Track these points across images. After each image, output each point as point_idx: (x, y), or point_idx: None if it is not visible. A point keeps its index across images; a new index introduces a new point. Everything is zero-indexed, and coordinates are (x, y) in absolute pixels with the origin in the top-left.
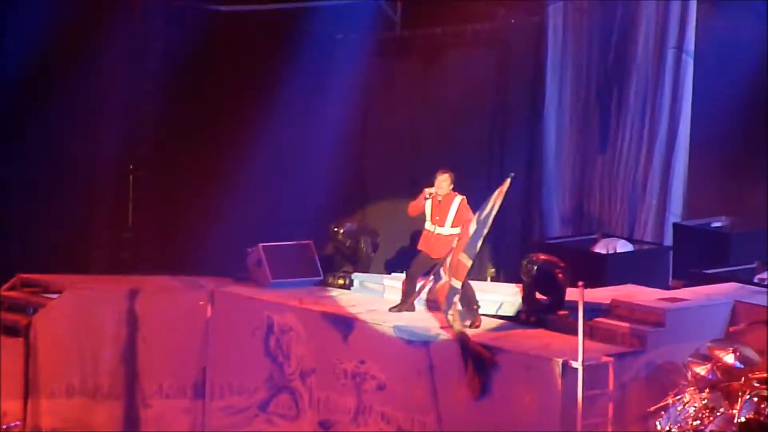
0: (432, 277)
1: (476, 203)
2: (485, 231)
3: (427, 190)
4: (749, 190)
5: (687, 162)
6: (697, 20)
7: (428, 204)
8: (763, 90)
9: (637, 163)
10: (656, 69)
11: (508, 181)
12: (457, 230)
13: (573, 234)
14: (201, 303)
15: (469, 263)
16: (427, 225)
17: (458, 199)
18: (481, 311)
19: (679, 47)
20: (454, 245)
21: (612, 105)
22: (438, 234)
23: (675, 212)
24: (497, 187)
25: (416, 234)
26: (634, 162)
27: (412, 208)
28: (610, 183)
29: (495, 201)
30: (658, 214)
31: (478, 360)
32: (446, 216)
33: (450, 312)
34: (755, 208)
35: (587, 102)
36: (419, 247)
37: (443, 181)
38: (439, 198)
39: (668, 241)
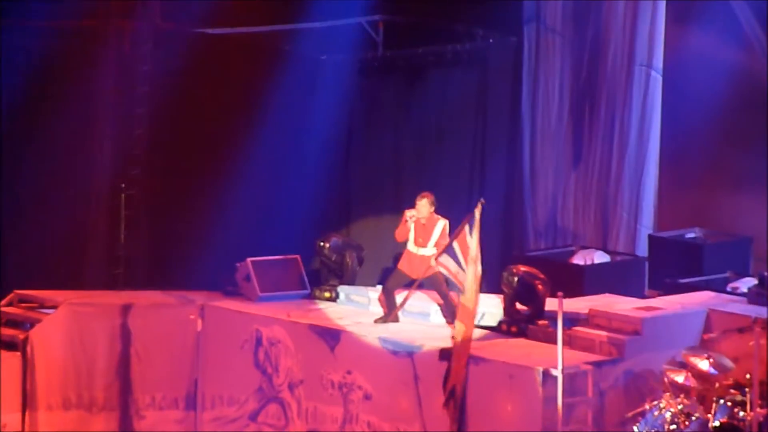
0: (416, 290)
1: (458, 220)
2: (479, 266)
3: (407, 213)
4: (717, 202)
5: (657, 175)
6: (666, 38)
7: (411, 226)
8: (732, 105)
9: (608, 177)
10: (625, 86)
11: (479, 208)
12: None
13: (548, 246)
14: (192, 317)
15: (471, 305)
16: (410, 246)
17: (441, 222)
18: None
19: (648, 64)
20: (433, 263)
21: (584, 121)
22: (421, 255)
23: (646, 224)
24: (476, 205)
25: (399, 247)
26: (605, 176)
27: (399, 234)
28: (583, 196)
29: (475, 234)
30: (630, 226)
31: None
32: (429, 238)
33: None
34: (724, 221)
35: (560, 118)
36: (399, 266)
37: (423, 206)
38: (423, 221)
39: (640, 252)
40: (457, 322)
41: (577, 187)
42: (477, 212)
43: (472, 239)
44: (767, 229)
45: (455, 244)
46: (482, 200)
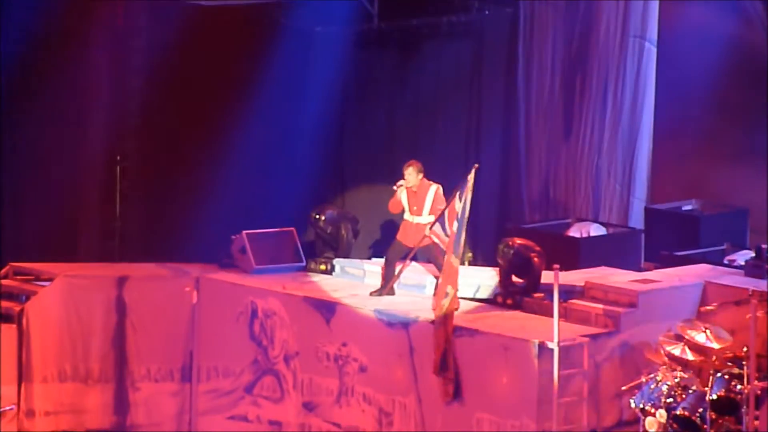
0: (410, 262)
1: (453, 190)
2: (464, 229)
3: (397, 183)
4: (713, 175)
5: (651, 148)
6: (661, 9)
7: (404, 196)
8: (728, 77)
9: (600, 150)
10: (618, 57)
11: (473, 173)
12: (433, 218)
13: (543, 219)
14: (187, 289)
15: (458, 264)
16: (406, 215)
17: (434, 187)
18: (459, 294)
19: (642, 36)
20: (427, 232)
21: (575, 93)
22: (417, 223)
23: (640, 197)
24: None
25: (394, 219)
26: (597, 148)
27: (393, 205)
28: (574, 169)
29: (466, 196)
30: (623, 198)
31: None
32: (423, 205)
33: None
34: (719, 193)
35: (552, 91)
36: (398, 237)
37: (410, 174)
38: (414, 189)
39: (633, 224)
40: (448, 287)
41: (569, 160)
42: (470, 176)
43: (460, 203)
44: (767, 202)
45: (445, 211)
46: (476, 165)
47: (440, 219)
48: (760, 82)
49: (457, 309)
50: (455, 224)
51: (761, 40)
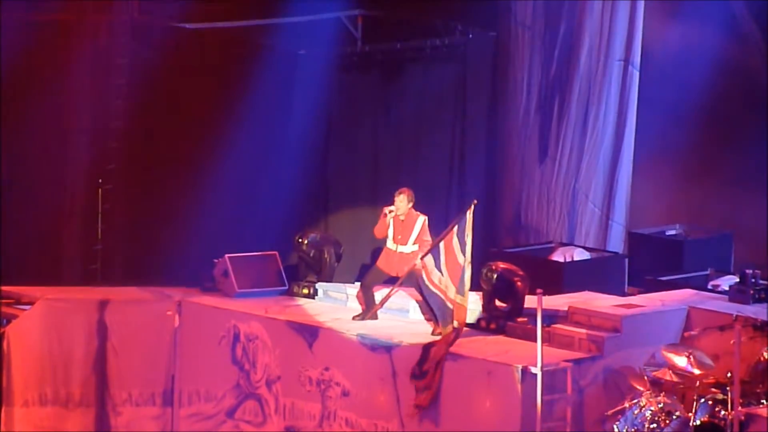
0: (397, 289)
1: (437, 215)
2: (468, 269)
3: (386, 209)
4: (695, 199)
5: (631, 171)
6: (645, 32)
7: (390, 222)
8: (710, 100)
9: (578, 173)
10: (601, 81)
11: (472, 208)
12: (417, 247)
13: (515, 244)
14: (169, 313)
15: (467, 303)
16: (389, 243)
17: (421, 219)
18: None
19: (626, 59)
20: (418, 262)
21: (552, 116)
22: (400, 252)
23: (619, 221)
24: (458, 201)
25: (377, 243)
26: (574, 172)
27: (378, 231)
28: (548, 193)
29: (468, 234)
30: (602, 222)
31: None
32: (409, 235)
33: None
34: (702, 217)
35: (527, 114)
36: (378, 263)
37: (401, 201)
38: (402, 217)
39: (612, 248)
40: (455, 322)
41: (543, 183)
42: (469, 213)
43: (458, 241)
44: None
45: (441, 245)
46: (475, 201)
47: (434, 251)
48: (745, 104)
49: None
50: (463, 262)
51: (752, 61)
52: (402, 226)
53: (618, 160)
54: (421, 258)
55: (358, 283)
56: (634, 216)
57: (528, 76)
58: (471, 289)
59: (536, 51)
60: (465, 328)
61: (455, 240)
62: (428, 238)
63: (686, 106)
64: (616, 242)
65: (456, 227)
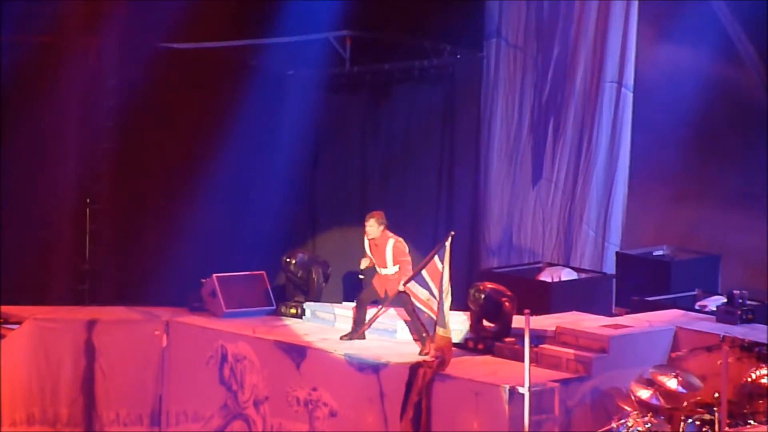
0: (385, 309)
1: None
2: (447, 300)
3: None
4: (689, 220)
5: (626, 193)
6: (639, 53)
7: (366, 247)
8: (703, 120)
9: (573, 195)
10: (594, 103)
11: (449, 240)
12: (398, 268)
13: (514, 264)
14: (156, 333)
15: (449, 334)
16: (377, 268)
17: (391, 241)
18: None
19: (619, 81)
20: (401, 288)
21: (547, 138)
22: (385, 275)
23: (614, 242)
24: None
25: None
26: (569, 194)
27: (367, 260)
28: (543, 214)
29: (446, 266)
30: (597, 244)
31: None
32: (385, 257)
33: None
34: (695, 238)
35: (518, 136)
36: (373, 281)
37: (371, 226)
38: (376, 242)
39: (609, 270)
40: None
41: (537, 205)
42: (447, 243)
43: (443, 271)
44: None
45: (425, 272)
46: (452, 232)
47: (419, 278)
48: (739, 125)
49: (428, 354)
50: (445, 298)
51: (744, 82)
52: (377, 250)
53: (612, 181)
54: (404, 284)
55: (345, 303)
56: (628, 237)
57: (520, 97)
58: (459, 309)
59: (528, 72)
60: (453, 348)
61: (439, 265)
62: (406, 258)
63: (678, 126)
64: (612, 264)
65: (437, 254)
